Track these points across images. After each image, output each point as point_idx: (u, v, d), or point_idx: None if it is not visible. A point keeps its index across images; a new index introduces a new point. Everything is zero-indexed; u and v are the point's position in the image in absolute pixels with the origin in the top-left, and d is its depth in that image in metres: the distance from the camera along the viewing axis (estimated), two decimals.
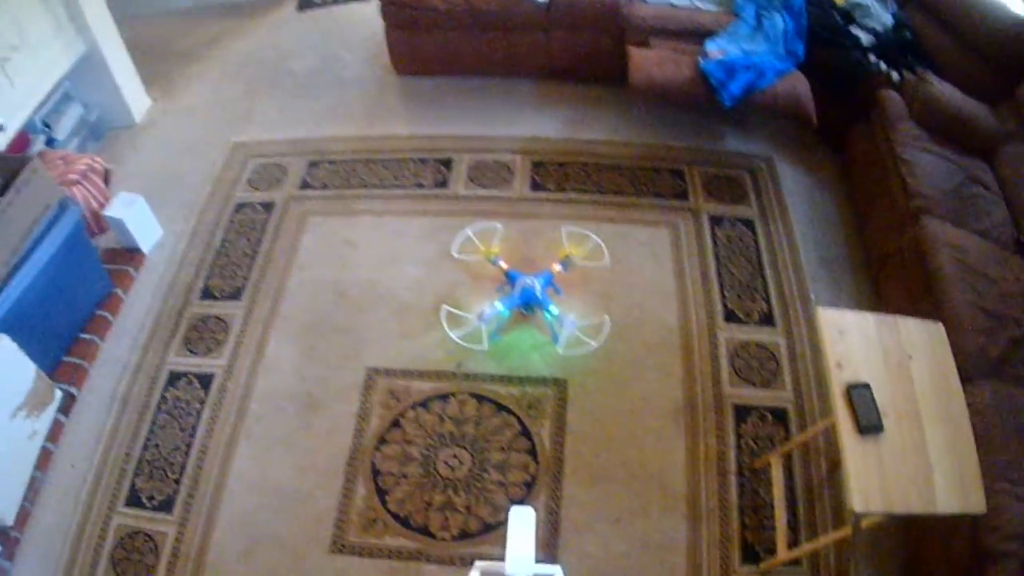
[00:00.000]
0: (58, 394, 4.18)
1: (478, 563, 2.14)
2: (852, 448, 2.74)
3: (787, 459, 3.80)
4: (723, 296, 4.43)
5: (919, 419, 2.83)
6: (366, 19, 6.56)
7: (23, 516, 3.86)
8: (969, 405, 2.92)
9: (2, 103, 4.65)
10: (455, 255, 4.69)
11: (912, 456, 2.75)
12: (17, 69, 4.82)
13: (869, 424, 2.76)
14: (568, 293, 4.47)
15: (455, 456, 3.88)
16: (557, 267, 4.50)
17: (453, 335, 4.27)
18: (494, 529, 3.68)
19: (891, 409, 2.83)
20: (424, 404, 4.07)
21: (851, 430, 2.77)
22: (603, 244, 4.66)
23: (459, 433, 3.95)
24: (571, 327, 4.23)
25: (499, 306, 4.31)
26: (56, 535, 3.81)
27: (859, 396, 2.82)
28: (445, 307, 4.39)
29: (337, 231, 4.93)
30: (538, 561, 2.13)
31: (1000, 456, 3.17)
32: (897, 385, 2.90)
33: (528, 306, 4.38)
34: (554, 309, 4.28)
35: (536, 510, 3.59)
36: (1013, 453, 3.20)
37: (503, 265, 4.52)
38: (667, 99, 5.14)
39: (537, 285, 4.31)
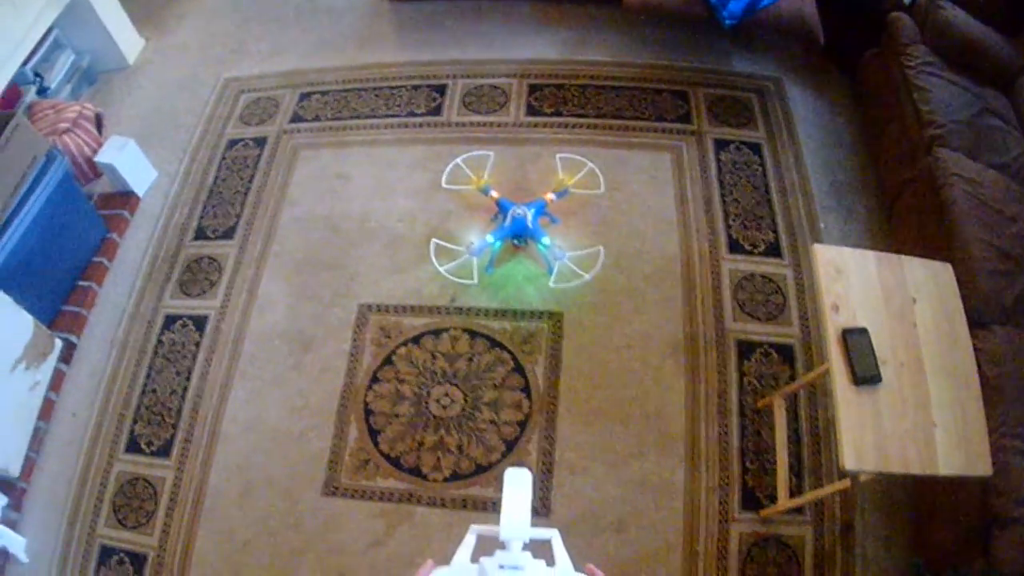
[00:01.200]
0: (58, 343, 4.19)
1: (473, 527, 2.07)
2: (846, 400, 2.62)
3: (792, 400, 3.68)
4: (727, 225, 4.28)
5: (922, 370, 2.69)
6: None
7: (28, 467, 3.91)
8: (980, 352, 2.79)
9: None
10: (444, 185, 4.57)
11: (912, 411, 2.62)
12: (3, 22, 4.71)
13: (866, 374, 2.64)
14: (565, 222, 4.36)
15: (447, 394, 3.82)
16: (551, 196, 4.35)
17: (442, 269, 4.18)
18: (486, 470, 3.63)
19: (891, 358, 2.70)
20: (416, 340, 4.01)
21: (846, 380, 2.65)
22: (598, 170, 4.50)
23: (451, 370, 3.89)
24: (563, 258, 4.13)
25: (490, 238, 4.19)
26: (60, 484, 3.86)
27: (856, 342, 2.69)
28: (435, 240, 4.30)
29: (329, 164, 4.83)
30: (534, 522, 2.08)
31: (1012, 410, 3.02)
32: (899, 331, 2.76)
33: (520, 237, 4.27)
34: (547, 240, 4.15)
35: (529, 451, 3.56)
36: None
37: (494, 195, 4.38)
38: (668, 16, 4.94)
39: (529, 215, 4.19)
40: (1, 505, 3.74)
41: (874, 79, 4.66)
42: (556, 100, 4.92)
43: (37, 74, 5.28)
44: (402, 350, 3.97)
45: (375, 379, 3.91)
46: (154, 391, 4.04)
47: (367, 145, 4.89)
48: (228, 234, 4.59)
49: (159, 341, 4.22)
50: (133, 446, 3.90)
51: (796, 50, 5.05)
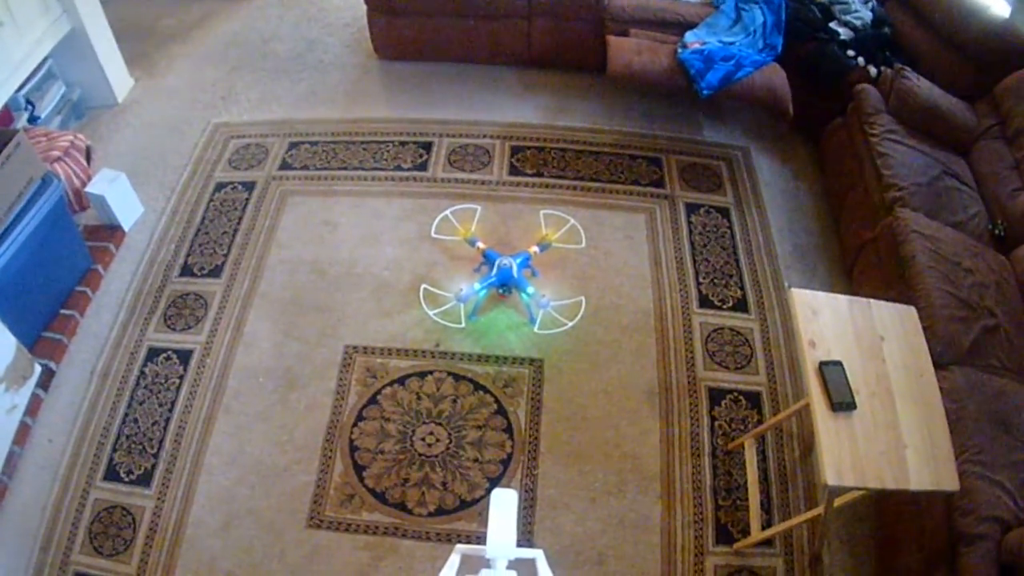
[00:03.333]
0: (38, 368, 4.19)
1: (459, 547, 2.17)
2: (825, 424, 2.81)
3: (760, 442, 3.88)
4: (698, 282, 4.50)
5: (892, 398, 2.91)
6: (349, 3, 6.58)
7: (1, 491, 3.88)
8: (942, 390, 3.00)
9: None
10: (433, 235, 4.73)
11: (884, 433, 2.82)
12: (3, 45, 4.82)
13: (842, 400, 2.84)
14: (545, 275, 4.54)
15: (432, 433, 3.92)
16: (535, 248, 4.55)
17: (432, 313, 4.34)
18: (470, 505, 3.73)
19: (863, 387, 2.90)
20: (402, 381, 4.11)
21: (824, 406, 2.85)
22: (580, 226, 4.73)
23: (436, 411, 4.00)
24: (547, 307, 4.32)
25: (476, 286, 4.34)
26: (34, 510, 3.83)
27: (832, 373, 2.90)
28: (424, 286, 4.47)
29: (317, 211, 4.96)
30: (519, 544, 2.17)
31: (973, 440, 3.24)
32: (870, 364, 2.98)
33: (505, 286, 4.42)
34: (531, 289, 4.33)
35: (512, 488, 3.65)
36: (985, 437, 3.28)
37: (481, 246, 4.56)
38: (645, 87, 5.20)
39: (514, 265, 4.35)
40: None
41: (838, 147, 4.93)
42: (537, 162, 5.13)
43: (29, 101, 5.36)
44: (387, 390, 4.08)
45: (361, 417, 4.00)
46: (135, 421, 4.07)
47: (355, 195, 5.04)
48: (215, 272, 4.68)
49: (142, 372, 4.26)
50: (112, 474, 3.91)
51: (764, 120, 5.34)
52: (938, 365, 3.13)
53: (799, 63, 5.14)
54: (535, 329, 4.31)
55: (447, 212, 4.83)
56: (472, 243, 4.61)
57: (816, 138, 5.26)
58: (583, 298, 4.42)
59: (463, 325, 4.32)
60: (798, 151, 5.31)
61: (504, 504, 2.36)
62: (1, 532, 3.78)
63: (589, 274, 4.53)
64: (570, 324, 4.31)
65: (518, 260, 4.41)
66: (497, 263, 4.40)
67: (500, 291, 4.46)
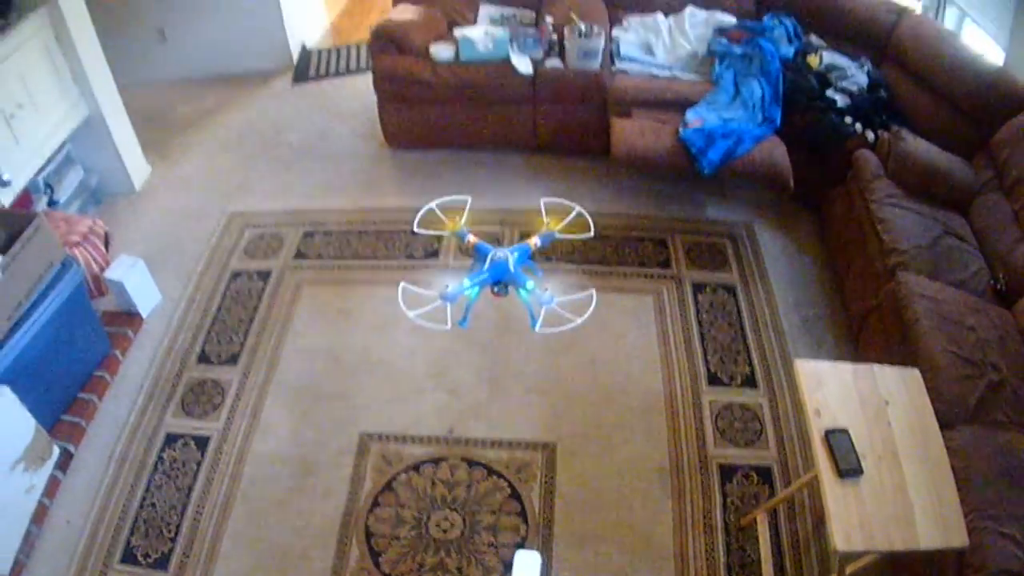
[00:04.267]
0: (56, 450, 4.23)
1: None
2: (833, 491, 2.87)
3: (773, 515, 3.91)
4: (706, 360, 4.57)
5: (898, 461, 2.97)
6: (359, 93, 6.80)
7: (18, 569, 3.90)
8: (949, 449, 3.06)
9: (7, 159, 4.77)
10: (416, 230, 4.56)
11: (892, 496, 2.88)
12: (23, 127, 4.96)
13: (848, 467, 2.90)
14: (549, 276, 4.56)
15: (447, 519, 3.96)
16: (535, 240, 4.28)
17: (411, 315, 4.01)
18: None
19: (870, 452, 2.97)
20: (416, 468, 4.17)
21: (831, 474, 2.91)
22: (586, 213, 4.53)
23: (451, 496, 4.04)
24: (550, 303, 3.96)
25: (466, 282, 4.02)
26: None
27: (838, 441, 2.97)
28: (403, 284, 4.18)
29: (332, 300, 5.06)
30: None
31: (981, 496, 3.27)
32: (875, 429, 3.05)
33: (500, 283, 4.10)
34: (530, 284, 4.01)
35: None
36: (994, 493, 3.31)
37: (472, 239, 4.27)
38: (649, 168, 5.33)
39: (510, 258, 4.04)
40: None
41: (839, 216, 5.02)
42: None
43: (48, 185, 5.47)
44: (403, 476, 4.13)
45: (376, 503, 4.04)
46: (153, 505, 4.11)
47: (368, 284, 5.16)
48: (232, 360, 4.76)
49: (159, 458, 4.32)
50: (129, 557, 3.92)
51: (766, 194, 5.45)
52: (944, 425, 3.18)
53: (798, 134, 5.24)
54: (535, 329, 3.92)
55: (432, 204, 4.53)
56: (462, 236, 4.32)
57: (818, 208, 5.36)
58: (593, 290, 4.22)
59: (448, 327, 3.97)
60: (801, 223, 5.43)
61: (527, 565, 2.39)
62: None
63: (601, 358, 4.61)
64: (580, 320, 4.01)
65: (515, 254, 4.09)
66: (490, 256, 4.06)
67: (495, 290, 4.15)
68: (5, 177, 4.71)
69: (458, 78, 5.64)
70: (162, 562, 3.89)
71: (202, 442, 4.37)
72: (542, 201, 4.59)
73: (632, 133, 5.20)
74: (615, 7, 6.19)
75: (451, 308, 4.00)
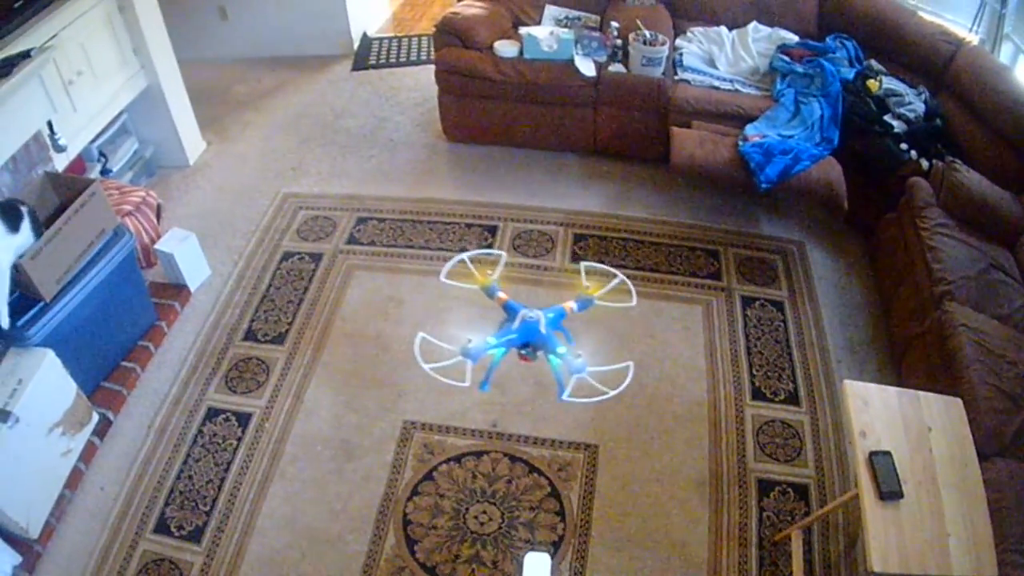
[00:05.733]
0: (95, 416, 4.26)
1: None
2: (873, 512, 2.88)
3: (807, 533, 3.89)
4: (751, 374, 4.55)
5: (937, 487, 2.98)
6: (419, 84, 6.86)
7: (48, 532, 3.93)
8: (985, 481, 3.06)
9: (65, 125, 4.78)
10: (443, 280, 4.19)
11: (929, 521, 2.89)
12: (81, 94, 4.99)
13: (890, 490, 2.91)
14: (582, 345, 4.28)
15: (485, 512, 3.96)
16: (571, 304, 4.03)
17: (428, 367, 3.74)
18: None
19: (910, 477, 2.98)
20: (458, 459, 4.17)
21: (873, 495, 2.91)
22: (629, 282, 4.27)
23: (490, 490, 4.04)
24: (582, 371, 3.66)
25: (492, 340, 3.77)
26: (79, 555, 3.88)
27: (881, 463, 2.97)
28: (421, 334, 3.90)
29: (382, 287, 5.07)
30: None
31: (1013, 529, 3.26)
32: (917, 455, 3.06)
33: (529, 346, 3.85)
34: (561, 349, 3.73)
35: (561, 571, 3.71)
36: None
37: (502, 295, 4.06)
38: (706, 179, 5.31)
39: (542, 319, 3.80)
40: (13, 564, 3.77)
41: (890, 242, 4.98)
42: (599, 250, 5.23)
43: (103, 154, 5.51)
44: (444, 467, 4.13)
45: (416, 492, 4.04)
46: (190, 477, 4.14)
47: (420, 274, 5.14)
48: (279, 340, 4.78)
49: (199, 431, 4.34)
50: (162, 527, 3.95)
51: (819, 214, 5.43)
52: (981, 456, 3.18)
53: (854, 157, 5.22)
54: (563, 397, 3.62)
55: (464, 256, 4.32)
56: (491, 293, 4.08)
57: (868, 232, 5.32)
58: (631, 363, 3.89)
59: (467, 384, 3.69)
60: (851, 246, 5.39)
61: (538, 569, 2.36)
62: (44, 572, 3.84)
63: (645, 363, 4.58)
64: (613, 392, 3.69)
65: (549, 315, 3.85)
66: (520, 315, 3.82)
67: (522, 352, 3.89)
68: (61, 142, 4.72)
69: (521, 76, 5.64)
70: (195, 534, 3.92)
71: (244, 418, 4.39)
72: (582, 265, 4.38)
73: (692, 143, 5.19)
74: (680, 17, 6.19)
75: (471, 367, 3.74)
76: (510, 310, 3.97)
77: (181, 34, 6.00)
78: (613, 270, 4.34)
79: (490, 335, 3.84)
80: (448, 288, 4.32)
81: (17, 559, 3.79)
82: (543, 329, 3.79)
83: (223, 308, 5.00)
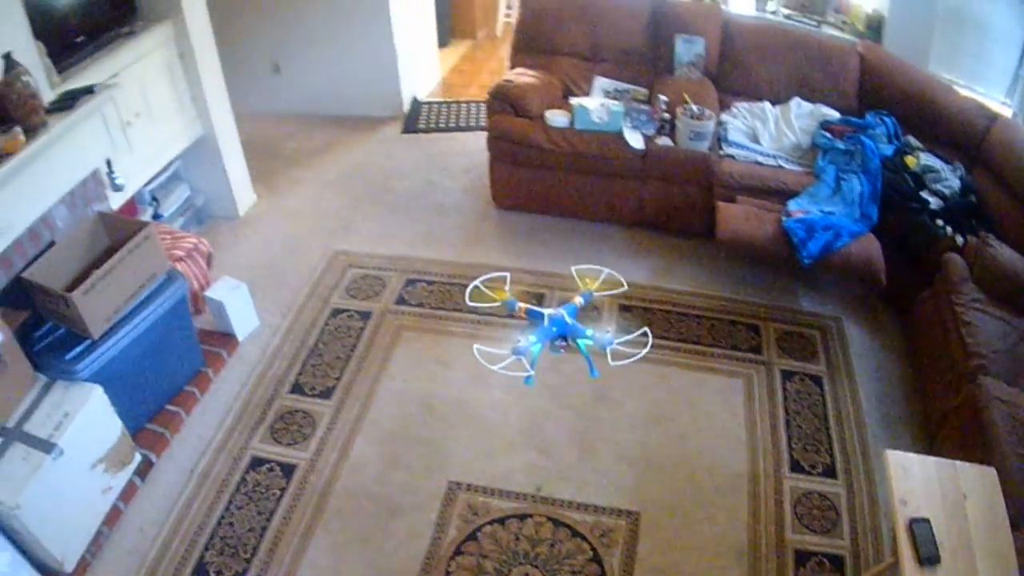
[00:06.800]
0: (138, 457, 4.32)
1: None
2: None
3: None
4: (790, 446, 4.57)
5: (972, 554, 3.05)
6: (467, 150, 6.99)
7: (82, 567, 3.95)
8: (1016, 549, 3.12)
9: (121, 165, 4.86)
10: (469, 303, 5.17)
11: None
12: (137, 136, 5.09)
13: (929, 555, 2.98)
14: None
15: (527, 574, 3.97)
16: (578, 299, 4.85)
17: (496, 368, 4.58)
18: None
19: (947, 543, 3.05)
20: (502, 522, 4.18)
21: (912, 561, 2.99)
22: (616, 272, 5.20)
23: (533, 553, 4.05)
24: (611, 344, 4.61)
25: (532, 339, 4.56)
26: None
27: (920, 529, 3.06)
28: (477, 346, 4.75)
29: (429, 348, 5.12)
30: None
31: None
32: (953, 522, 3.13)
33: (562, 337, 4.68)
34: (590, 331, 4.63)
35: None
36: None
37: (522, 306, 4.88)
38: (750, 254, 5.37)
39: (565, 313, 4.65)
40: None
41: (926, 318, 5.02)
42: (644, 321, 5.25)
43: (155, 198, 5.60)
44: (487, 528, 4.15)
45: (459, 551, 4.05)
46: (231, 524, 4.15)
47: (467, 337, 5.17)
48: (326, 394, 4.84)
49: (243, 479, 4.37)
50: (200, 572, 3.95)
51: (856, 289, 5.48)
52: (1014, 525, 3.23)
53: (892, 233, 5.28)
54: (595, 376, 4.62)
55: (477, 282, 5.20)
56: (511, 307, 4.91)
57: (905, 308, 5.35)
58: (647, 328, 4.93)
59: (531, 372, 4.59)
60: (888, 322, 5.44)
61: None
62: None
63: (689, 434, 4.63)
64: (640, 354, 4.69)
65: (566, 309, 4.73)
66: (547, 315, 4.69)
67: (556, 343, 4.69)
68: (119, 181, 4.81)
69: (571, 146, 5.75)
70: None
71: (288, 469, 4.42)
72: (573, 269, 5.31)
73: (737, 218, 5.27)
74: (725, 92, 6.29)
75: (524, 360, 4.56)
76: (533, 315, 4.81)
77: (234, 86, 6.11)
78: (600, 267, 5.31)
79: (528, 336, 4.67)
80: (492, 354, 4.50)
81: None
82: (568, 320, 4.70)
83: (271, 359, 5.06)
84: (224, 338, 5.14)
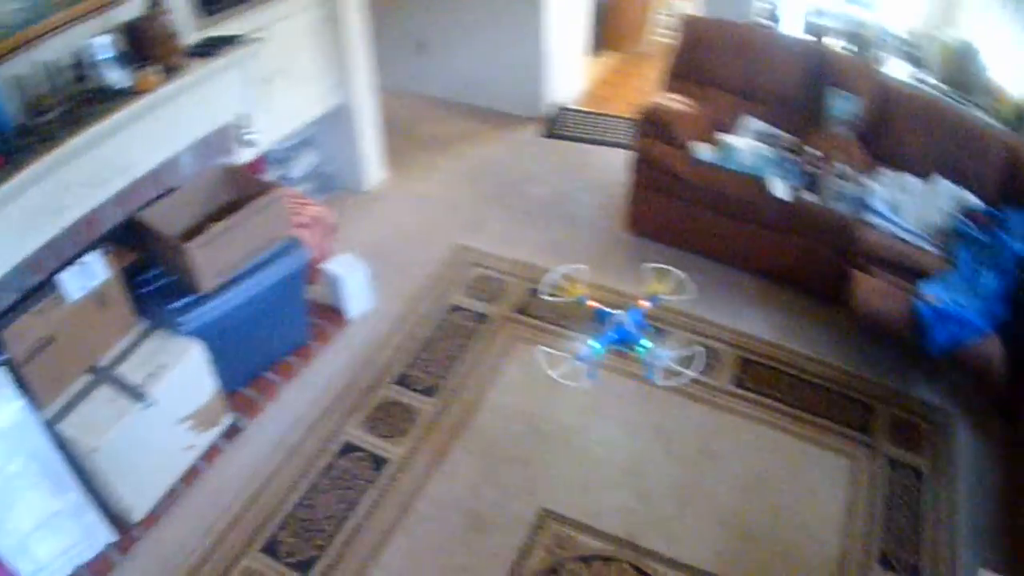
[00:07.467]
0: (227, 420, 4.30)
1: None
2: None
3: None
4: (882, 539, 4.34)
5: None
6: (606, 165, 6.79)
7: (151, 519, 3.95)
8: None
9: (255, 121, 4.81)
10: (543, 297, 5.28)
11: None
12: (275, 95, 5.04)
13: None
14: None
15: None
16: (645, 303, 4.97)
17: (552, 374, 4.72)
18: None
19: None
20: (586, 560, 4.04)
21: None
22: (685, 276, 5.34)
23: None
24: (664, 358, 4.71)
25: (595, 343, 4.73)
26: (177, 551, 3.88)
27: None
28: (541, 347, 4.88)
29: (544, 366, 4.93)
30: None
31: None
32: None
33: (623, 342, 4.79)
34: (646, 343, 4.73)
35: None
36: None
37: (591, 303, 5.00)
38: (877, 330, 5.13)
39: (627, 320, 4.79)
40: (107, 541, 3.80)
41: None
42: (760, 379, 5.06)
43: (284, 159, 5.58)
44: (571, 565, 4.00)
45: None
46: (311, 507, 4.09)
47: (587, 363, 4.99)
48: (430, 392, 4.72)
49: (331, 463, 4.30)
50: (270, 549, 3.90)
51: (971, 389, 5.21)
52: None
53: (1014, 337, 5.01)
54: (656, 382, 4.73)
55: (554, 275, 5.35)
56: (581, 302, 5.01)
57: (1014, 415, 5.09)
58: (700, 348, 4.96)
59: (586, 384, 4.72)
60: (997, 429, 5.14)
61: None
62: (137, 558, 3.88)
63: (785, 505, 4.43)
64: (691, 373, 4.79)
65: (631, 316, 4.87)
66: (611, 319, 4.82)
67: (618, 347, 4.84)
68: (250, 138, 4.78)
69: (714, 183, 5.56)
70: (304, 566, 3.85)
71: (379, 462, 4.33)
72: (645, 267, 5.45)
73: (873, 292, 5.05)
74: (871, 156, 6.07)
75: (584, 367, 4.76)
76: (600, 315, 4.98)
77: (377, 60, 6.05)
78: (670, 268, 5.45)
79: (590, 341, 4.87)
80: (608, 382, 4.53)
81: (113, 537, 3.83)
82: (629, 327, 4.85)
83: (379, 346, 4.98)
84: (334, 314, 5.08)
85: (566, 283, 5.02)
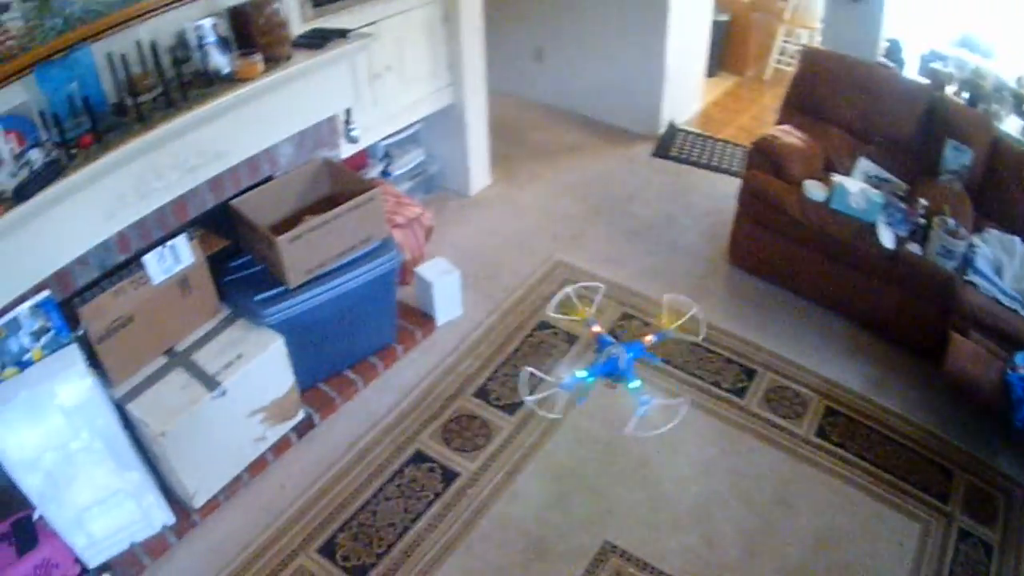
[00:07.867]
0: (301, 415, 4.27)
1: None
2: None
3: None
4: None
5: None
6: (714, 192, 6.62)
7: (211, 506, 3.95)
8: None
9: (360, 116, 4.77)
10: (551, 313, 5.09)
11: None
12: (383, 90, 5.03)
13: None
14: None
15: None
16: (651, 338, 4.78)
17: (527, 399, 4.58)
18: None
19: None
20: None
21: None
22: (700, 314, 5.09)
23: None
24: (646, 404, 4.50)
25: (583, 373, 4.59)
26: (233, 542, 3.87)
27: None
28: (528, 368, 4.69)
29: (624, 394, 4.79)
30: None
31: None
32: None
33: (613, 375, 4.60)
34: (634, 384, 4.53)
35: None
36: None
37: (597, 329, 4.83)
38: (966, 395, 4.92)
39: (623, 356, 4.57)
40: (165, 523, 3.81)
41: None
42: (845, 432, 4.86)
43: (387, 154, 5.54)
44: None
45: None
46: (374, 512, 4.03)
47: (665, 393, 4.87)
48: (510, 409, 4.62)
49: (400, 470, 4.24)
50: (328, 550, 3.86)
51: None
52: None
53: None
54: (630, 429, 4.49)
55: (568, 290, 5.16)
56: (589, 325, 4.86)
57: None
58: (684, 400, 4.65)
59: (559, 415, 4.53)
60: None
61: None
62: (192, 543, 3.88)
63: (852, 565, 4.21)
64: (667, 428, 4.49)
65: (630, 352, 4.63)
66: (607, 351, 4.65)
67: (610, 380, 4.65)
68: (354, 133, 4.74)
69: (822, 224, 5.36)
70: (358, 572, 3.81)
71: (450, 476, 4.26)
72: (665, 297, 5.20)
73: (968, 356, 4.83)
74: (979, 212, 5.80)
75: (566, 396, 4.62)
76: (602, 343, 4.81)
77: (492, 63, 5.98)
78: (689, 300, 5.23)
79: (579, 370, 4.73)
80: (690, 418, 4.45)
81: (171, 520, 3.84)
82: (622, 364, 4.62)
83: (464, 355, 4.90)
84: (423, 318, 5.03)
85: (578, 303, 4.95)
